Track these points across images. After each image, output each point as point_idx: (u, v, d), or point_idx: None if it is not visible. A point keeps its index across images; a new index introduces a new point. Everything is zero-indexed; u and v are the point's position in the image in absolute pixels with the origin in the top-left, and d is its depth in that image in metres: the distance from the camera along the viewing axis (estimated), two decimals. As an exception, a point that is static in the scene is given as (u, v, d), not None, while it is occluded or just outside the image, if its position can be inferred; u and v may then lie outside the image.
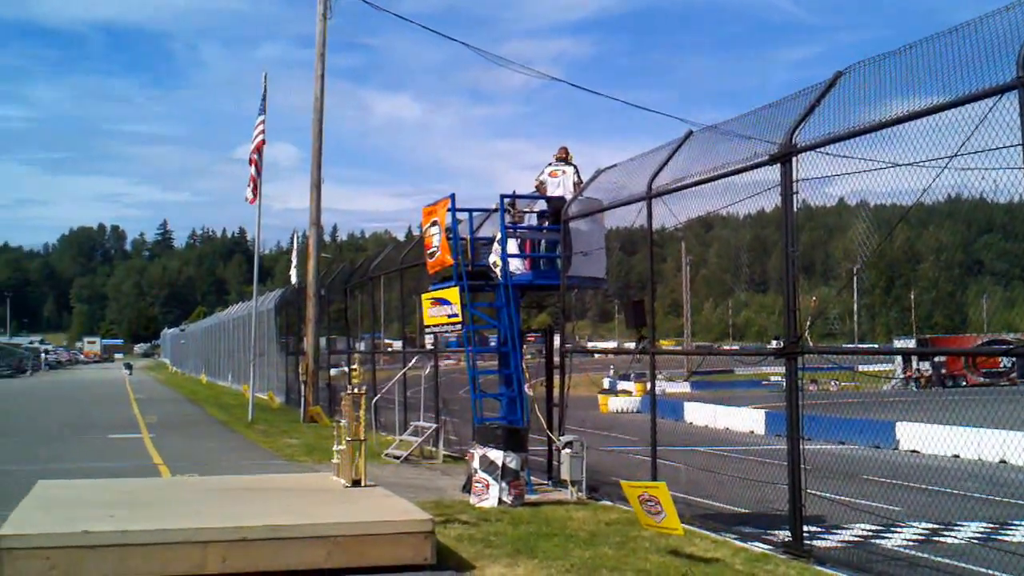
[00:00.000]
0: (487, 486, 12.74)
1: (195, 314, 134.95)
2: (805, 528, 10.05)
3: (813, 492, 10.58)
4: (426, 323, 16.01)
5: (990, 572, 9.69)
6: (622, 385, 44.01)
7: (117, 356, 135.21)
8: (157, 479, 14.69)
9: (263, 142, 27.11)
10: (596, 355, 53.23)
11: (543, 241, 15.63)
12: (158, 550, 8.61)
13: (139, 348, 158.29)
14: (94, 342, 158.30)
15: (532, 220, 15.68)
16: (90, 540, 8.50)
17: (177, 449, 19.79)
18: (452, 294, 14.81)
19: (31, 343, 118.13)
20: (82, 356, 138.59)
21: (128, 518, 9.21)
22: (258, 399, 29.38)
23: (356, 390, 11.66)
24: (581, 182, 15.23)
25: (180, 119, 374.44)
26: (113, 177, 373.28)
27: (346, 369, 27.48)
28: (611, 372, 47.55)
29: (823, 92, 9.93)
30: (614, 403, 38.40)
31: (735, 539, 10.55)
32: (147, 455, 18.80)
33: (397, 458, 17.78)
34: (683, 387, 43.94)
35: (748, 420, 28.34)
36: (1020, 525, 13.16)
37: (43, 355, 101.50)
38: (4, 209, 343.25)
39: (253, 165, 27.15)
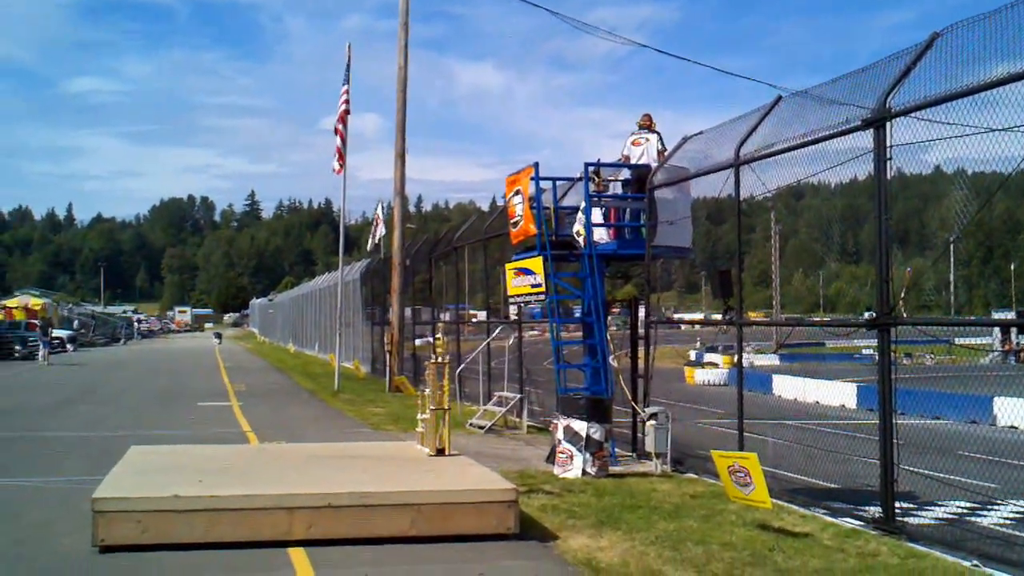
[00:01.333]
0: (571, 457, 12.66)
1: (282, 284, 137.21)
2: (897, 504, 9.78)
3: (906, 467, 10.29)
4: (509, 293, 15.94)
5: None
6: (709, 357, 43.55)
7: (207, 326, 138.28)
8: (245, 446, 14.92)
9: (347, 112, 27.22)
10: (682, 327, 52.77)
11: (628, 210, 15.40)
12: (246, 515, 8.74)
13: (228, 318, 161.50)
14: (185, 312, 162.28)
15: (617, 189, 15.46)
16: (180, 504, 8.67)
17: (265, 417, 20.12)
18: (535, 264, 14.70)
19: (124, 313, 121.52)
20: (173, 325, 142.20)
21: (217, 484, 9.37)
22: (344, 368, 29.71)
23: (440, 360, 11.66)
24: (665, 149, 14.96)
25: (267, 91, 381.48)
26: (202, 149, 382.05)
27: (430, 340, 27.51)
28: (698, 344, 47.13)
29: (919, 55, 9.55)
30: (700, 375, 38.04)
31: (824, 514, 10.31)
32: (236, 423, 19.13)
33: (481, 428, 17.82)
34: (771, 360, 43.17)
35: (839, 393, 27.80)
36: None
37: (136, 324, 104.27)
38: (99, 181, 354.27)
39: (338, 135, 27.29)
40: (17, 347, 50.07)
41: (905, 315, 10.71)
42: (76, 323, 73.74)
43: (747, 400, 12.63)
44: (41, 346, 45.27)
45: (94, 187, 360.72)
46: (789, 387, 32.17)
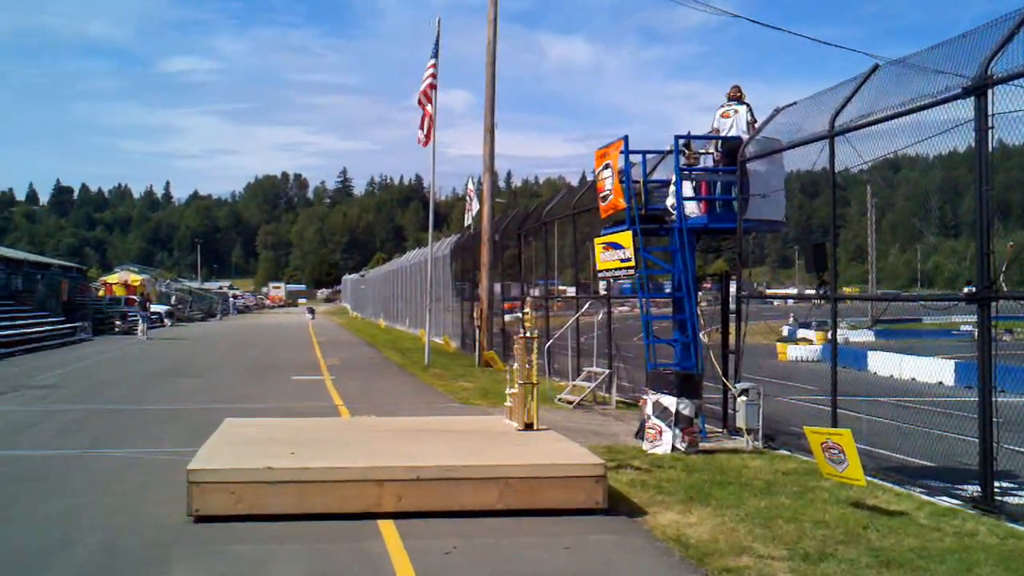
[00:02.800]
0: (660, 432, 12.56)
1: (374, 260, 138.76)
2: (997, 484, 9.50)
3: (1007, 446, 9.98)
4: (598, 268, 15.84)
5: None
6: (802, 333, 42.81)
7: (300, 301, 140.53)
8: (335, 419, 15.13)
9: (433, 86, 27.26)
10: (774, 302, 52.00)
11: (719, 183, 15.17)
12: (336, 487, 8.86)
13: (321, 293, 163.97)
14: (279, 287, 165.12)
15: (708, 162, 15.23)
16: (272, 476, 8.84)
17: (356, 391, 20.38)
18: (625, 238, 14.58)
19: (220, 288, 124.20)
20: (267, 301, 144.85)
21: (308, 456, 9.51)
22: (433, 343, 29.93)
23: (528, 334, 11.65)
24: (755, 121, 14.68)
25: (358, 68, 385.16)
26: (294, 127, 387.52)
27: (520, 315, 27.51)
28: (791, 320, 46.32)
29: (1022, 19, 9.16)
30: (793, 352, 37.40)
31: (920, 493, 10.07)
32: (327, 396, 19.41)
33: (570, 403, 17.79)
34: (867, 336, 42.35)
35: (936, 370, 27.03)
36: None
37: (231, 300, 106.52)
38: (196, 159, 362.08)
39: (423, 107, 27.34)
40: (117, 322, 51.66)
41: (1006, 289, 10.33)
42: (173, 298, 75.76)
43: (841, 377, 12.37)
44: (140, 321, 46.54)
45: (190, 165, 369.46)
46: (885, 364, 31.44)
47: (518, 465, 9.30)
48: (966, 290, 10.70)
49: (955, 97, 9.92)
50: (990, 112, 9.46)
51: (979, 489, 9.47)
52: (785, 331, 43.34)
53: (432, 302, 31.86)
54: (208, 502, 8.67)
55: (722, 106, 15.12)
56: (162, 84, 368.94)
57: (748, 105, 14.94)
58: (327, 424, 13.18)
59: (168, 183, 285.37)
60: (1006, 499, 9.75)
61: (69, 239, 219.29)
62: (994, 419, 9.43)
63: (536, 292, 26.16)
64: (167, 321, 60.87)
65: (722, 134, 14.87)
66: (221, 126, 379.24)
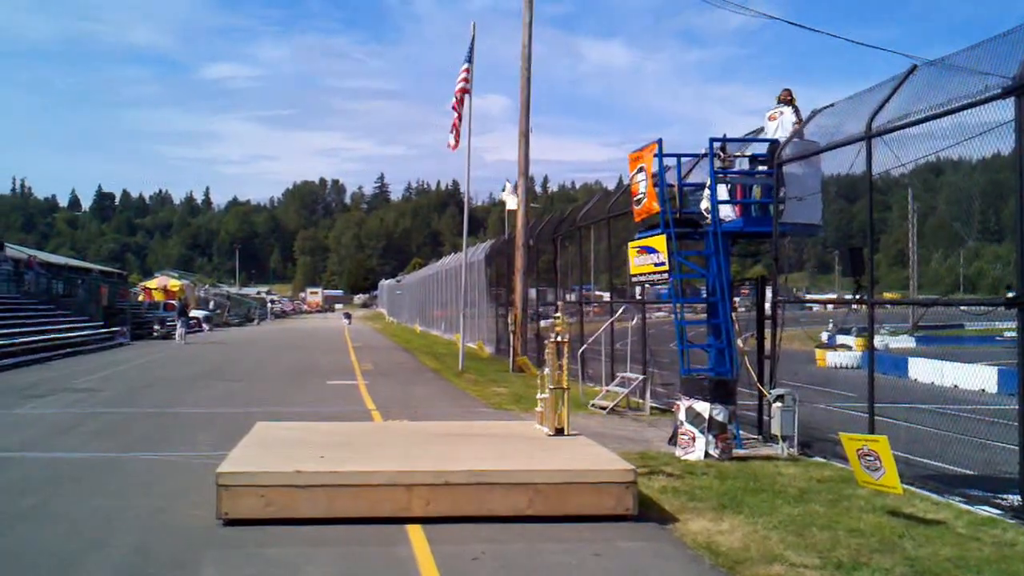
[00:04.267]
0: (693, 438, 12.44)
1: (411, 265, 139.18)
2: (1040, 493, 9.30)
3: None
4: (632, 272, 15.73)
5: None
6: (841, 339, 42.28)
7: (337, 306, 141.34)
8: (367, 423, 15.13)
9: (465, 89, 27.27)
10: (813, 307, 51.47)
11: (755, 187, 15.01)
12: (365, 491, 8.84)
13: (358, 299, 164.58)
14: (316, 292, 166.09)
15: (743, 165, 15.08)
16: (302, 480, 8.83)
17: (389, 395, 20.40)
18: (659, 242, 14.48)
19: (258, 294, 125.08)
20: (305, 306, 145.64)
21: (338, 460, 9.49)
22: (468, 349, 29.92)
23: (559, 339, 11.58)
24: (800, 122, 14.51)
25: (396, 74, 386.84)
26: (332, 132, 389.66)
27: (566, 325, 27.22)
28: (830, 326, 45.77)
29: (1068, 17, 8.97)
30: (832, 358, 36.95)
31: (959, 501, 9.87)
32: (361, 401, 19.45)
33: (603, 409, 17.67)
34: (907, 343, 41.77)
35: (978, 377, 26.58)
36: None
37: (269, 305, 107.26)
38: (235, 165, 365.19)
39: (455, 110, 27.37)
40: (156, 327, 52.18)
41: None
42: (212, 304, 76.38)
43: (881, 383, 12.18)
44: (179, 325, 46.92)
45: (230, 171, 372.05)
46: (925, 370, 31.00)
47: (548, 471, 9.23)
48: (1008, 295, 10.50)
49: (995, 98, 9.75)
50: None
51: (1020, 498, 9.26)
52: (824, 337, 42.84)
53: (467, 307, 31.87)
54: (238, 505, 8.67)
55: (772, 108, 14.97)
56: (203, 90, 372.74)
57: (796, 107, 14.74)
58: (358, 428, 13.17)
59: (208, 189, 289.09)
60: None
61: (110, 244, 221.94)
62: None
63: (572, 298, 26.07)
64: (205, 326, 61.38)
65: (768, 136, 14.71)
66: (261, 132, 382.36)
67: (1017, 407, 9.41)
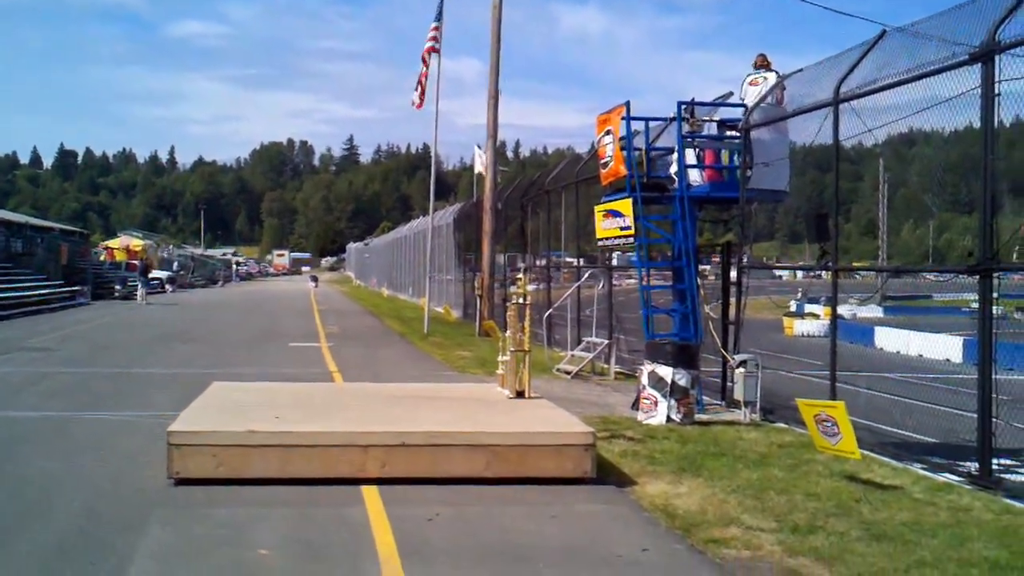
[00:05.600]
0: (655, 403, 12.38)
1: (380, 229, 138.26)
2: (998, 461, 9.33)
3: (1013, 424, 9.79)
4: (598, 236, 15.61)
5: None
6: (809, 308, 42.53)
7: (304, 269, 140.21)
8: (326, 384, 14.98)
9: (433, 48, 26.95)
10: (782, 276, 51.70)
11: (723, 152, 14.90)
12: (320, 452, 8.70)
13: (325, 262, 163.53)
14: (283, 255, 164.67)
15: (712, 130, 14.95)
16: (255, 439, 8.68)
17: (353, 358, 20.23)
18: (625, 206, 14.34)
19: (224, 255, 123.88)
20: (271, 269, 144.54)
21: (293, 420, 9.35)
22: (435, 313, 29.79)
23: (521, 301, 11.46)
24: (784, 89, 14.35)
25: (369, 35, 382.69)
26: (303, 93, 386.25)
27: (530, 288, 27.19)
28: (798, 295, 45.97)
29: (1037, -17, 8.88)
30: (800, 326, 37.17)
31: (919, 468, 9.88)
32: (323, 363, 19.27)
33: (568, 373, 17.62)
34: (875, 312, 42.03)
35: (943, 347, 26.78)
36: None
37: (235, 267, 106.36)
38: (201, 125, 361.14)
39: (422, 67, 27.08)
40: (117, 287, 51.56)
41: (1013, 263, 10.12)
42: (176, 264, 75.53)
43: (847, 352, 12.19)
44: (140, 286, 46.46)
45: (197, 131, 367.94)
46: (892, 339, 31.25)
47: (507, 433, 9.13)
48: (971, 262, 10.46)
49: (961, 64, 9.66)
50: (997, 79, 9.21)
51: (977, 465, 9.29)
52: (793, 306, 43.01)
53: (433, 271, 31.68)
54: (189, 465, 8.51)
55: (749, 75, 14.79)
56: (171, 49, 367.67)
57: (777, 72, 14.57)
58: (316, 389, 12.97)
59: (173, 148, 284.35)
60: (1006, 476, 9.57)
61: (73, 203, 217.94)
62: (994, 394, 9.23)
63: (541, 263, 25.96)
64: (168, 287, 60.78)
65: (749, 103, 14.55)
66: (229, 92, 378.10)
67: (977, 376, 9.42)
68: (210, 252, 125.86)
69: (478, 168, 31.99)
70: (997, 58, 9.13)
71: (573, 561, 6.67)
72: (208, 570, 6.34)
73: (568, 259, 25.30)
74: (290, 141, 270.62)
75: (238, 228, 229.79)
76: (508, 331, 11.49)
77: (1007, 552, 6.82)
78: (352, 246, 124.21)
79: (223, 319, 34.82)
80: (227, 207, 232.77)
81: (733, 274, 14.68)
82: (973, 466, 9.37)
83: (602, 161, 15.26)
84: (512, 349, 11.27)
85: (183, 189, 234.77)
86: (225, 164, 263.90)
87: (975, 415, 9.39)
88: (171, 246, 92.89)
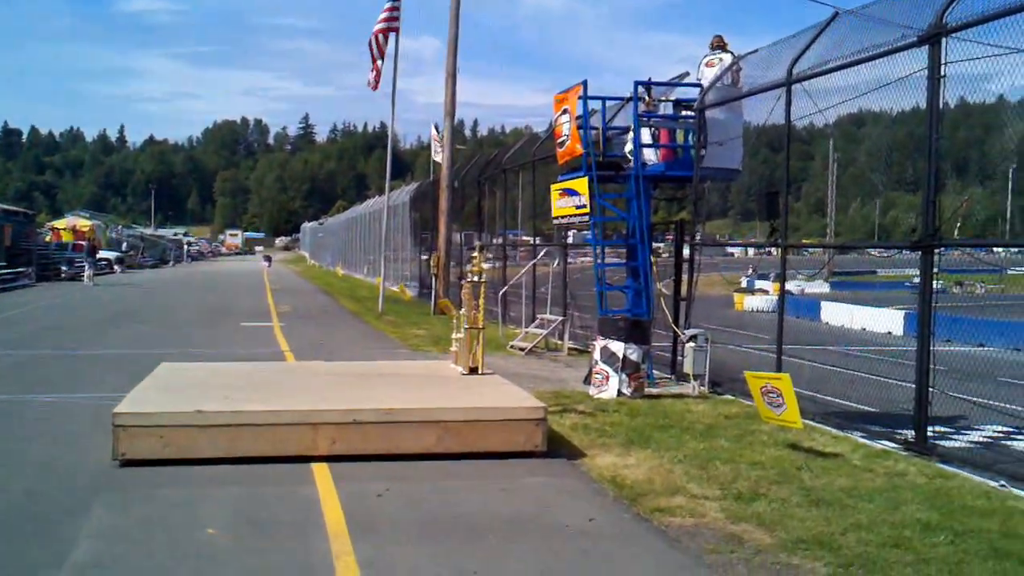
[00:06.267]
0: (607, 377, 12.54)
1: (335, 208, 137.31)
2: (933, 428, 9.66)
3: (947, 393, 10.06)
4: (554, 214, 15.78)
5: None
6: (759, 284, 43.05)
7: (257, 249, 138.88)
8: (277, 363, 14.96)
9: (392, 28, 26.84)
10: (735, 254, 52.18)
11: (678, 131, 15.06)
12: (269, 431, 8.74)
13: (279, 241, 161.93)
14: (236, 235, 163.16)
15: (668, 109, 15.10)
16: (203, 419, 8.70)
17: (305, 337, 20.19)
18: (581, 184, 14.47)
19: (175, 235, 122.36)
20: (223, 248, 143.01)
21: (242, 400, 9.39)
22: (390, 292, 29.76)
23: (475, 279, 11.56)
24: (740, 70, 14.50)
25: (325, 12, 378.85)
26: (258, 71, 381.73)
27: (485, 266, 27.31)
28: (749, 271, 46.50)
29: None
30: (750, 302, 37.56)
31: (860, 436, 10.15)
32: (275, 343, 19.22)
33: (522, 350, 17.76)
34: (822, 288, 42.63)
35: (886, 321, 27.32)
36: None
37: (186, 247, 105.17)
38: (153, 103, 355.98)
39: (371, 50, 26.95)
40: (63, 268, 50.77)
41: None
42: (124, 245, 74.59)
43: (794, 326, 12.42)
44: (87, 266, 45.89)
45: (148, 109, 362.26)
46: (837, 314, 31.72)
47: (458, 408, 9.23)
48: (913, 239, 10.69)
49: (909, 46, 9.88)
50: (943, 61, 9.43)
51: (913, 432, 9.57)
52: (744, 282, 43.52)
53: (389, 250, 31.63)
54: (135, 446, 8.49)
55: (706, 55, 14.91)
56: (122, 25, 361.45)
57: (733, 54, 14.71)
58: (267, 368, 12.98)
59: (123, 127, 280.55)
60: (943, 442, 9.89)
61: (17, 183, 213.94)
62: (931, 364, 9.50)
63: (498, 242, 26.06)
64: (117, 268, 60.06)
65: (706, 84, 14.69)
66: (182, 69, 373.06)
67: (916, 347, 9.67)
68: (160, 232, 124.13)
69: (435, 147, 31.91)
70: (944, 41, 9.36)
71: (521, 532, 6.80)
72: (154, 550, 6.34)
73: (525, 238, 25.40)
74: (244, 119, 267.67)
75: (190, 208, 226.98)
76: (463, 309, 11.58)
77: (938, 514, 7.06)
78: (307, 225, 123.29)
79: (173, 299, 34.50)
80: (179, 186, 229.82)
81: (686, 252, 14.89)
82: (910, 434, 9.65)
83: (559, 140, 15.38)
84: (466, 326, 11.37)
85: (133, 168, 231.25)
86: (177, 143, 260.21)
87: (913, 385, 9.65)
88: (120, 226, 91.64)
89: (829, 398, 12.76)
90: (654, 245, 16.01)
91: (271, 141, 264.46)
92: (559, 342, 18.22)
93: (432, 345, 18.61)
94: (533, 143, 22.32)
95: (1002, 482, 8.14)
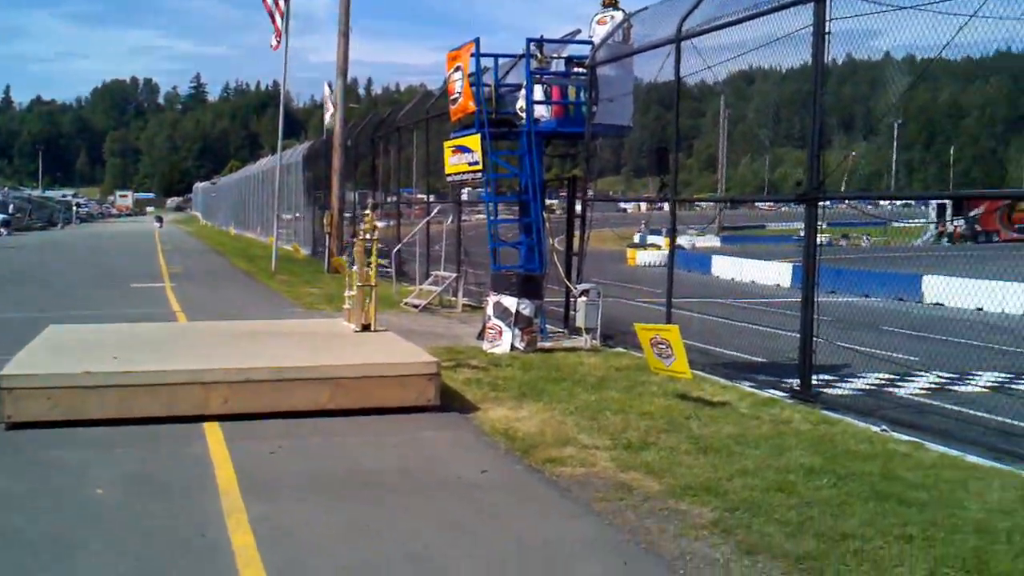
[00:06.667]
0: (500, 332, 12.63)
1: (228, 168, 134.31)
2: (819, 376, 9.96)
3: (833, 342, 10.40)
4: (447, 171, 15.74)
5: (995, 417, 9.50)
6: (651, 239, 43.66)
7: (149, 210, 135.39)
8: (167, 324, 14.69)
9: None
10: (627, 209, 52.71)
11: (570, 88, 15.12)
12: (160, 390, 8.61)
13: (171, 202, 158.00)
14: (126, 196, 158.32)
15: (560, 66, 15.14)
16: (92, 380, 8.51)
17: (197, 298, 19.81)
18: (473, 141, 14.45)
19: (64, 197, 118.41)
20: (114, 210, 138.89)
21: (133, 360, 9.19)
22: (283, 251, 29.41)
23: (367, 237, 11.51)
24: (631, 27, 14.57)
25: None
26: (149, 30, 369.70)
27: (380, 224, 27.30)
28: (642, 227, 47.03)
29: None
30: (642, 257, 38.05)
31: (748, 385, 10.43)
32: (167, 303, 18.83)
33: (416, 307, 17.75)
34: (713, 242, 43.48)
35: (774, 273, 28.10)
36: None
37: (75, 209, 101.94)
38: (42, 63, 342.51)
39: (267, 9, 26.44)
40: (-58, 232, 48.88)
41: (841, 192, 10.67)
42: (11, 207, 71.98)
43: (686, 280, 12.68)
44: (-31, 230, 44.25)
45: (35, 69, 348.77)
46: (727, 267, 32.46)
47: (350, 365, 9.22)
48: (799, 191, 10.97)
49: (796, 3, 10.07)
50: (828, 18, 9.63)
51: (799, 381, 9.87)
52: (637, 238, 44.04)
53: (283, 209, 31.19)
54: (22, 408, 8.29)
55: (597, 13, 14.93)
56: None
57: (624, 11, 14.75)
58: (157, 329, 12.72)
59: (8, 87, 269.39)
60: (828, 390, 10.27)
61: None
62: (815, 316, 9.80)
63: (392, 200, 25.91)
64: (3, 231, 57.99)
65: (596, 41, 14.72)
66: (71, 28, 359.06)
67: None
68: (49, 194, 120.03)
69: (328, 106, 31.48)
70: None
71: (413, 486, 6.83)
72: (42, 511, 6.23)
73: (420, 195, 25.30)
74: (133, 79, 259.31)
75: (79, 169, 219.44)
76: (355, 266, 11.53)
77: (821, 458, 7.30)
78: (199, 185, 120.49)
79: (62, 261, 33.45)
80: (67, 147, 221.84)
81: (578, 208, 15.03)
82: (796, 382, 9.96)
83: (451, 97, 15.32)
84: (359, 284, 11.35)
85: (19, 129, 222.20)
86: (65, 103, 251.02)
87: (799, 335, 9.95)
88: (6, 188, 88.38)
89: (719, 349, 13.08)
90: (548, 202, 16.11)
91: (161, 101, 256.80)
92: (453, 299, 18.27)
93: (326, 303, 18.47)
94: (427, 101, 22.20)
95: (883, 427, 8.45)
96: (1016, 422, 9.15)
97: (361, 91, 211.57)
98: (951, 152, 69.77)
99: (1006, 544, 5.49)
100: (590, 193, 15.07)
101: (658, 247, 39.86)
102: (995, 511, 6.12)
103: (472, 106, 14.49)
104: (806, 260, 10.05)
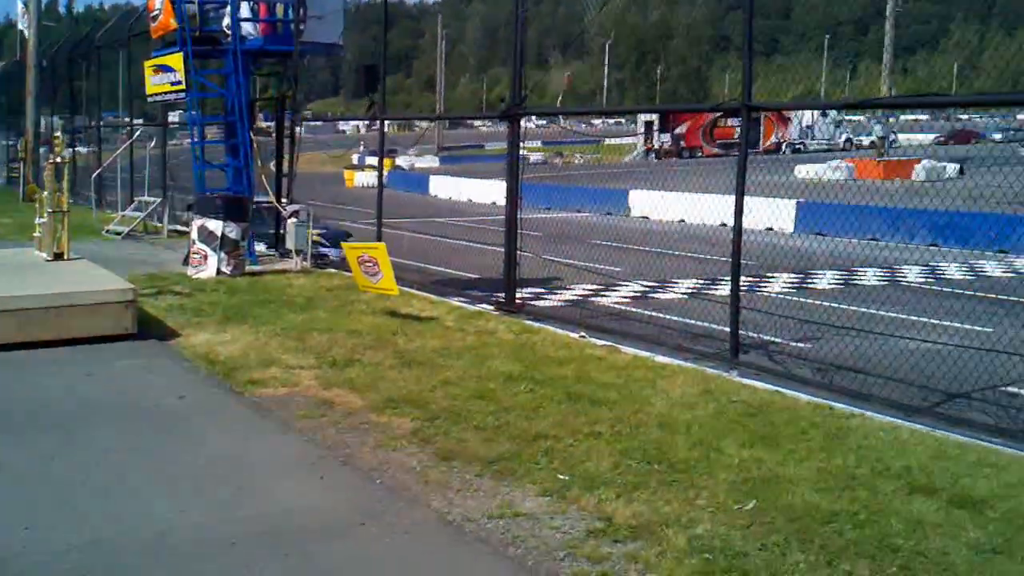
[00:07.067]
0: (205, 257, 12.26)
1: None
2: (529, 290, 10.31)
3: (544, 256, 10.74)
4: (149, 92, 14.98)
5: (687, 320, 10.19)
6: (370, 161, 43.52)
7: None
8: None
9: None
10: (346, 131, 52.23)
11: (278, 5, 14.66)
12: None
13: None
14: None
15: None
16: None
17: None
18: (175, 60, 13.76)
19: None
20: None
21: None
22: (-29, 181, 27.12)
23: (57, 160, 10.85)
24: None
25: None
26: None
27: (82, 150, 25.85)
28: (360, 148, 46.69)
29: None
30: (360, 178, 37.80)
31: (457, 300, 10.65)
32: None
33: (118, 234, 16.96)
34: (433, 162, 43.83)
35: (490, 192, 28.67)
36: (727, 280, 13.82)
37: None
38: None
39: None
40: None
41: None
42: None
43: (403, 200, 12.74)
44: None
45: None
46: (445, 187, 32.79)
47: (40, 295, 8.67)
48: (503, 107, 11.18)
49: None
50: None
51: (504, 295, 10.19)
52: (355, 159, 43.76)
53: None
54: None
55: None
56: None
57: None
58: None
59: None
60: (533, 302, 10.78)
61: None
62: (519, 230, 10.13)
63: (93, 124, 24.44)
64: None
65: None
66: None
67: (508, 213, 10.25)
68: None
69: (21, 24, 29.16)
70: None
71: (107, 415, 6.55)
72: None
73: (126, 119, 23.98)
74: None
75: None
76: (46, 192, 10.82)
77: (520, 365, 7.58)
78: None
79: None
80: None
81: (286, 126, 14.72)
82: (501, 295, 10.26)
83: (151, 14, 14.56)
84: (50, 210, 10.68)
85: None
86: None
87: (504, 250, 10.24)
88: None
89: (434, 267, 13.27)
90: (265, 124, 15.71)
91: None
92: (159, 225, 17.56)
93: (19, 233, 17.16)
94: (130, 18, 20.91)
95: (582, 333, 8.87)
96: (703, 323, 9.82)
97: (61, 9, 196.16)
98: (659, 71, 73.16)
99: (685, 435, 5.90)
100: (300, 113, 14.77)
101: (375, 168, 39.84)
102: (678, 405, 6.56)
103: (174, 23, 13.79)
104: (509, 176, 10.33)
